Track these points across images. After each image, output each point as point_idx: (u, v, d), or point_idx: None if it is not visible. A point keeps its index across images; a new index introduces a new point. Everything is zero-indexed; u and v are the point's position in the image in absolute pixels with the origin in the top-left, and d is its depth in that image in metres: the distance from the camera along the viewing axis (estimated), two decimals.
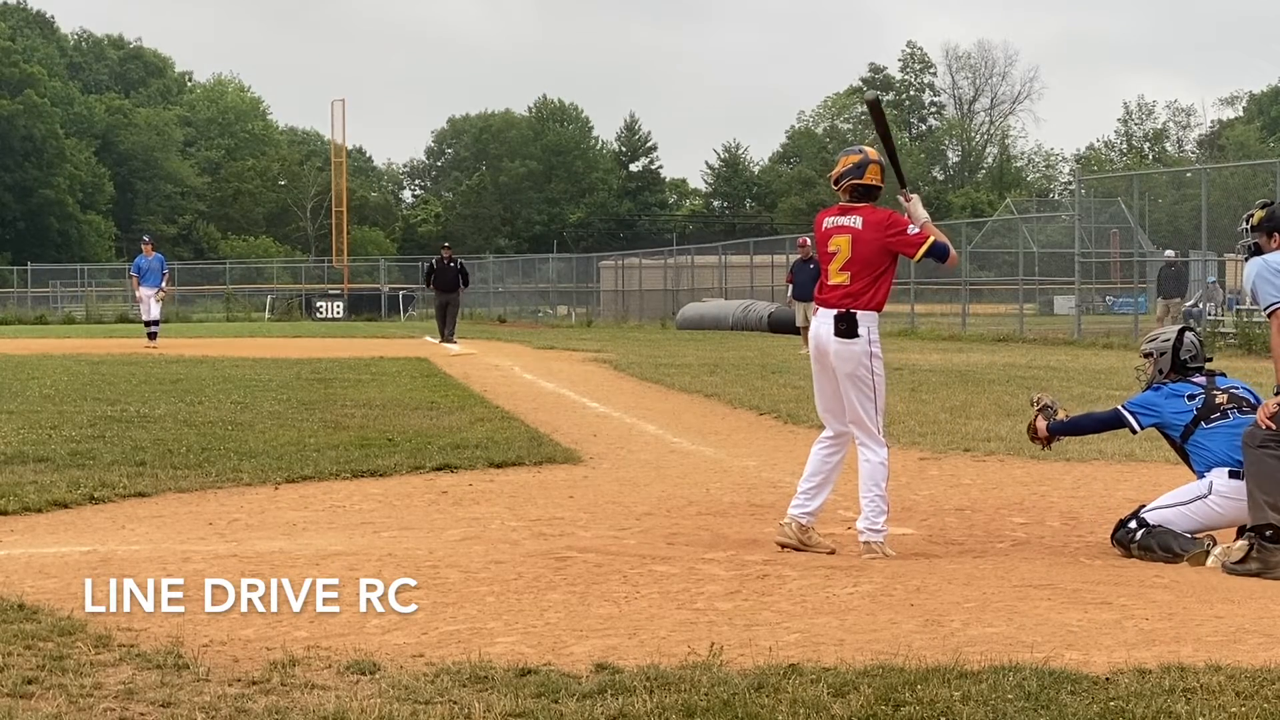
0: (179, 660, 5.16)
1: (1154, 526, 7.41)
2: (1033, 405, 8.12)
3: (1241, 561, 6.91)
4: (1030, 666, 4.98)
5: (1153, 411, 7.73)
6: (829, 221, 7.62)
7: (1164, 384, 7.85)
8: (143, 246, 32.44)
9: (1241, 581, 6.71)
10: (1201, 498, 7.43)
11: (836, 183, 7.65)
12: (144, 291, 31.49)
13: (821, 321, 7.57)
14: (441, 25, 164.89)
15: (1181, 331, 8.03)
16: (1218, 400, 7.67)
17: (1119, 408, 7.87)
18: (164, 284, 32.05)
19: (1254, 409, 7.54)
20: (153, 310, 31.54)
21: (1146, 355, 8.02)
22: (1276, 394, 7.05)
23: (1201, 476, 7.53)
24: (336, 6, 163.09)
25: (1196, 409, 7.64)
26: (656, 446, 12.56)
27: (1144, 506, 7.60)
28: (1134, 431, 7.86)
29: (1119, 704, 4.56)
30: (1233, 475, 7.32)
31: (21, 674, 4.97)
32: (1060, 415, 8.08)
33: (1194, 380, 7.81)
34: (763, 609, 6.15)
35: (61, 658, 5.20)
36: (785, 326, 35.45)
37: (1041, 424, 7.97)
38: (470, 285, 38.49)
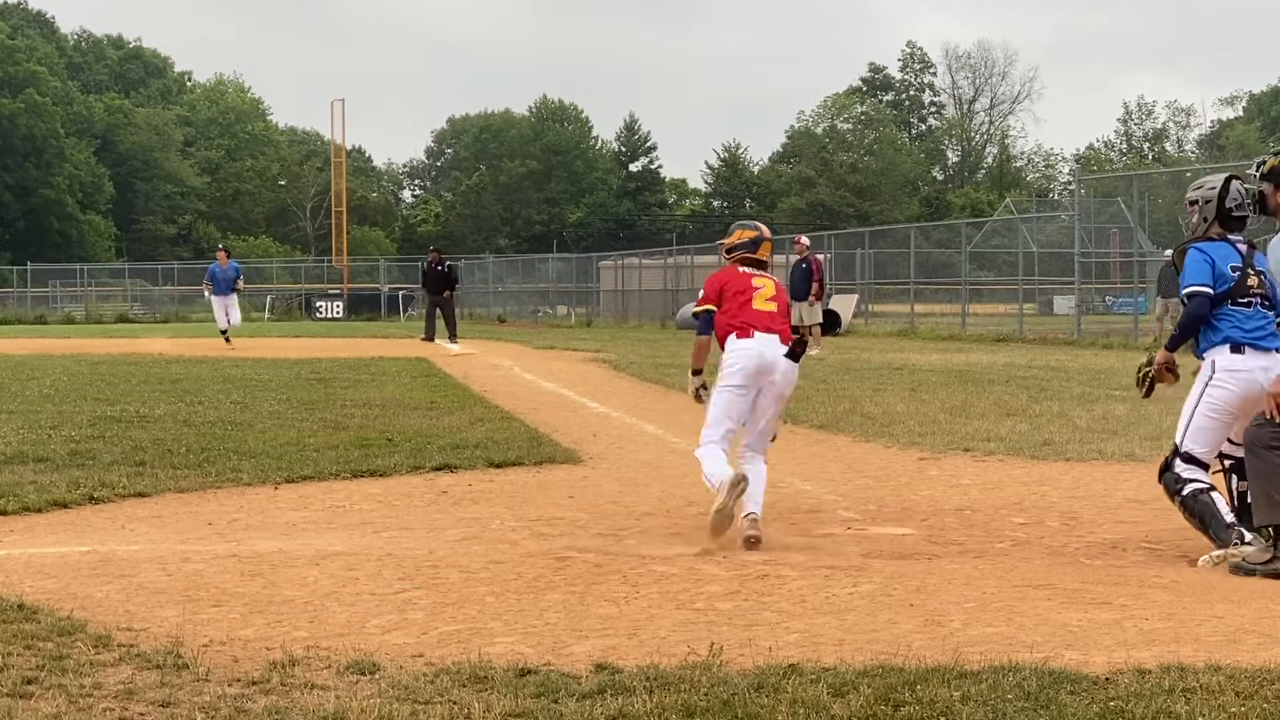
0: (179, 660, 5.16)
1: (1200, 490, 7.23)
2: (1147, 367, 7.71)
3: (1269, 562, 6.83)
4: (1030, 666, 4.98)
5: (1204, 267, 7.34)
6: (744, 269, 8.32)
7: (1208, 240, 7.45)
8: (218, 254, 32.66)
9: (1241, 581, 6.71)
10: (1208, 383, 7.28)
11: (730, 251, 8.41)
12: (216, 299, 31.67)
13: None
14: (441, 25, 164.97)
15: (1228, 179, 7.57)
16: (1250, 282, 7.35)
17: (1189, 290, 7.38)
18: (238, 286, 32.19)
19: (1274, 307, 7.32)
20: (232, 317, 31.79)
21: (1192, 203, 7.62)
22: None
23: (1201, 357, 7.39)
24: (336, 7, 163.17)
25: (1234, 282, 7.31)
26: (656, 446, 12.56)
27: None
28: (1211, 297, 7.33)
29: (1119, 704, 4.56)
30: (1235, 350, 7.23)
31: (21, 674, 4.97)
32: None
33: (1238, 246, 7.44)
34: (763, 609, 6.15)
35: (61, 658, 5.19)
36: None
37: (1160, 355, 7.57)
38: (458, 287, 38.54)
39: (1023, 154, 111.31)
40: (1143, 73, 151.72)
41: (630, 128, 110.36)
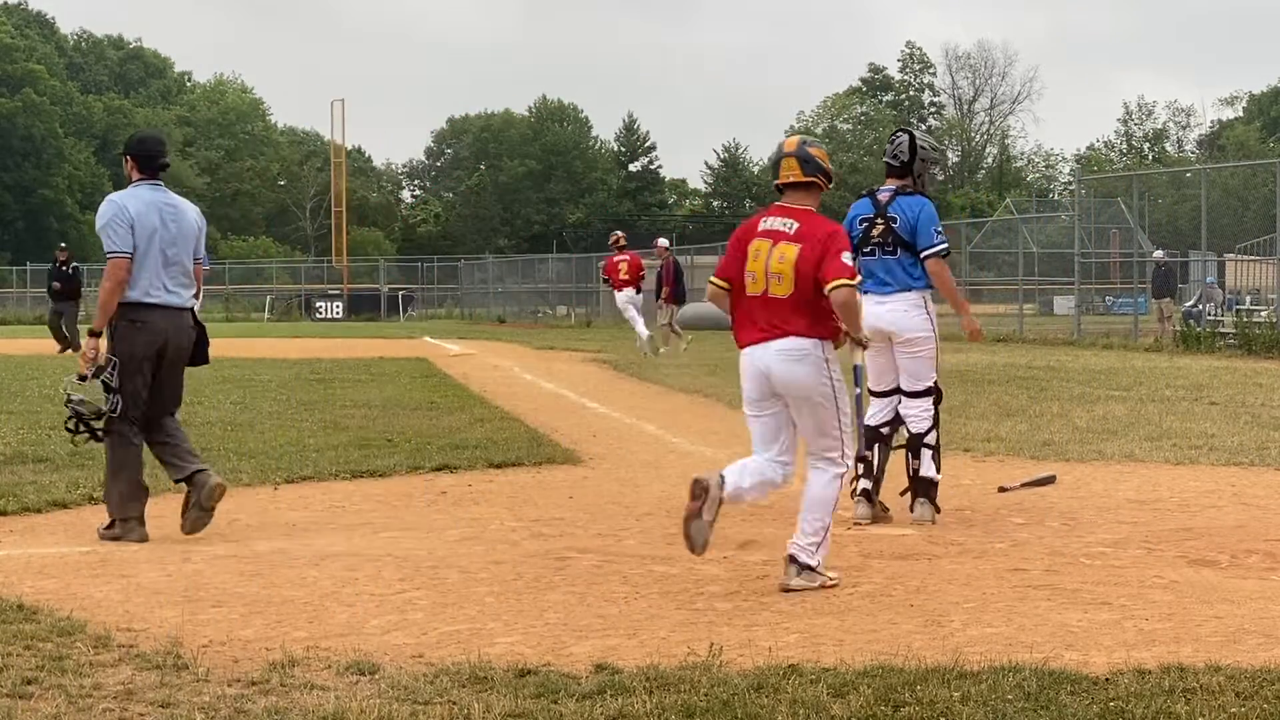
0: (179, 660, 5.16)
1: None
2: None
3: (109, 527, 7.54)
4: (1030, 666, 4.98)
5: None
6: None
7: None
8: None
9: (1241, 582, 6.71)
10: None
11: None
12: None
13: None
14: (441, 25, 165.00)
15: (896, 133, 8.52)
16: (873, 232, 8.23)
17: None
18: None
19: (906, 248, 8.16)
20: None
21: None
22: None
23: None
24: (336, 7, 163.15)
25: (859, 236, 8.17)
26: (656, 446, 12.56)
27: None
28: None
29: (1119, 704, 4.56)
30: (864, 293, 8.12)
31: (21, 674, 4.97)
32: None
33: (879, 196, 8.35)
34: (763, 609, 6.15)
35: (61, 658, 5.19)
36: None
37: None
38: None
39: (1023, 154, 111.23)
40: (1143, 73, 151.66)
41: (630, 128, 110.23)
